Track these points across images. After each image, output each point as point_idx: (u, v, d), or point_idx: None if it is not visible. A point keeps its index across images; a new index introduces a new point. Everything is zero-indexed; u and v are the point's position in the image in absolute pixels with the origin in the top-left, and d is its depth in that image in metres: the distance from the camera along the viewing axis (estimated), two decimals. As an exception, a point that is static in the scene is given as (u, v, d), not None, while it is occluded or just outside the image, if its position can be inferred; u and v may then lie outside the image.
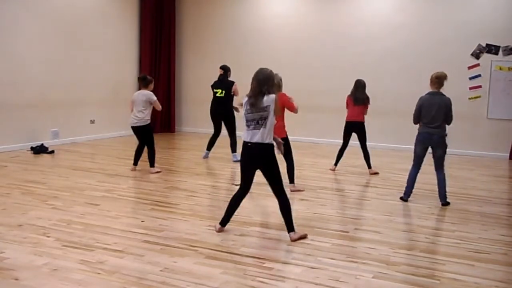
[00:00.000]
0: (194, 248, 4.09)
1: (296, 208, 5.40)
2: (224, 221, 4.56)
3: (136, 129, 7.02)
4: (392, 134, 9.88)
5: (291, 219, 4.40)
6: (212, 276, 3.54)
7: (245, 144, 4.36)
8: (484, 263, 3.95)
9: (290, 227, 4.40)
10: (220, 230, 4.53)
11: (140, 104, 6.89)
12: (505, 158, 9.16)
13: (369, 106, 7.41)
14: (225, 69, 8.16)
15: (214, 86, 8.15)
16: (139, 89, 7.12)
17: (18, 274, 3.49)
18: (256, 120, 4.25)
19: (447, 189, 5.81)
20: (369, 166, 7.49)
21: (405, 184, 5.91)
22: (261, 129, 4.24)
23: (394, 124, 9.82)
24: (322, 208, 5.48)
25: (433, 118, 5.63)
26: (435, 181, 5.85)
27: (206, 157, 8.31)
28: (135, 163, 7.24)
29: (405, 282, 3.55)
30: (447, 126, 5.72)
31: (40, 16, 8.88)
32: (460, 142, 9.39)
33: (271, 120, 4.27)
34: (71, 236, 4.31)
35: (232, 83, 8.05)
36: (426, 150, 5.78)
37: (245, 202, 5.71)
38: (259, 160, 4.36)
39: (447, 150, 5.81)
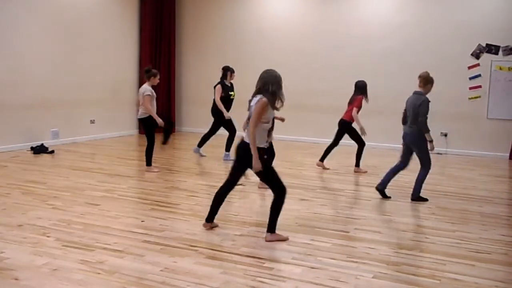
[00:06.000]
0: (194, 248, 4.08)
1: (296, 208, 5.41)
2: (211, 217, 4.56)
3: (139, 121, 7.18)
4: (392, 134, 9.84)
5: (275, 219, 4.30)
6: (212, 276, 3.54)
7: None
8: (484, 263, 3.95)
9: (270, 226, 4.31)
10: (208, 227, 4.55)
11: (140, 98, 7.00)
12: (505, 158, 9.16)
13: (357, 105, 7.33)
14: (223, 69, 8.23)
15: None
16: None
17: (18, 274, 3.49)
18: (248, 120, 4.30)
19: (425, 186, 5.84)
20: (356, 164, 7.59)
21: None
22: (247, 128, 4.25)
23: (394, 124, 9.74)
24: (322, 208, 5.48)
25: (406, 117, 5.77)
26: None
27: (196, 152, 8.37)
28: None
29: (405, 282, 3.55)
30: (422, 127, 5.63)
31: (41, 16, 8.88)
32: (460, 142, 9.39)
33: (252, 120, 4.11)
34: (71, 236, 4.31)
35: (218, 83, 8.11)
36: (408, 148, 5.81)
37: (245, 202, 5.73)
38: (242, 159, 4.29)
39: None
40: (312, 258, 3.94)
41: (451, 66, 9.22)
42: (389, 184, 6.81)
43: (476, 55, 9.30)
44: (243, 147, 4.25)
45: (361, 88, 7.42)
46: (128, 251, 3.98)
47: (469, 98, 9.37)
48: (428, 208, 5.58)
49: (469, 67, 9.34)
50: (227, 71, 8.19)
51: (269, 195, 5.96)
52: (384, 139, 9.89)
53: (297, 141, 10.35)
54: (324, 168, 7.63)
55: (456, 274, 3.71)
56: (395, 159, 8.66)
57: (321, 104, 10.42)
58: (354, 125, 7.48)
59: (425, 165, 5.71)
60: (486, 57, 9.24)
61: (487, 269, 3.84)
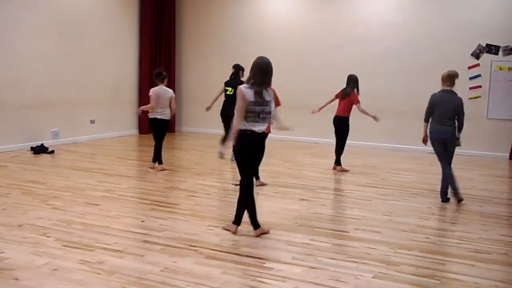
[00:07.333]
0: (194, 248, 4.08)
1: (296, 208, 5.41)
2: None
3: (162, 122, 7.14)
4: (392, 134, 9.88)
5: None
6: (212, 276, 3.54)
7: (252, 132, 4.30)
8: (484, 263, 3.96)
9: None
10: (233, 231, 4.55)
11: (167, 99, 7.06)
12: (505, 158, 9.16)
13: (355, 101, 7.33)
14: (236, 68, 8.19)
15: (226, 84, 8.18)
16: (156, 85, 7.12)
17: (18, 274, 3.49)
18: (258, 113, 4.30)
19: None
20: (337, 163, 7.56)
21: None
22: (266, 122, 4.41)
23: (394, 124, 9.81)
24: (322, 208, 5.48)
25: (443, 116, 5.71)
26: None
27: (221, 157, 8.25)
28: (159, 161, 7.28)
29: (405, 282, 3.55)
30: (462, 126, 5.71)
31: (41, 16, 8.88)
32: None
33: (273, 113, 4.47)
34: (71, 236, 4.31)
35: (241, 82, 8.01)
36: (444, 146, 5.80)
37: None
38: (260, 148, 4.48)
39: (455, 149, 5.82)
40: (312, 258, 3.94)
41: (451, 66, 9.06)
42: (388, 184, 6.81)
43: (476, 55, 9.30)
44: (262, 136, 4.45)
45: (355, 81, 7.43)
46: (128, 251, 3.98)
47: (469, 98, 9.36)
48: (428, 208, 5.58)
49: (469, 67, 9.34)
50: (239, 70, 8.15)
51: (268, 195, 5.98)
52: (384, 139, 9.90)
53: (297, 141, 10.35)
54: (344, 170, 7.51)
55: (456, 274, 3.72)
56: (395, 159, 8.71)
57: (321, 104, 10.39)
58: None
59: (451, 163, 5.77)
60: (486, 57, 9.24)
61: (487, 269, 3.84)
